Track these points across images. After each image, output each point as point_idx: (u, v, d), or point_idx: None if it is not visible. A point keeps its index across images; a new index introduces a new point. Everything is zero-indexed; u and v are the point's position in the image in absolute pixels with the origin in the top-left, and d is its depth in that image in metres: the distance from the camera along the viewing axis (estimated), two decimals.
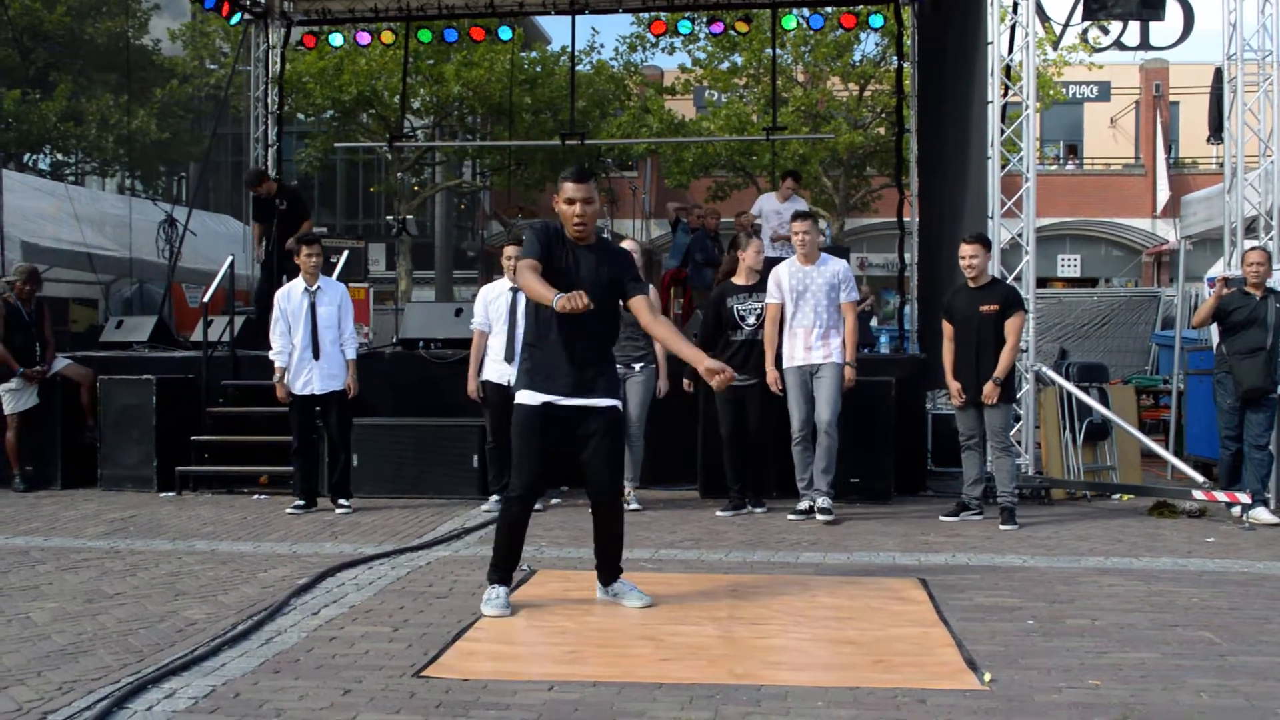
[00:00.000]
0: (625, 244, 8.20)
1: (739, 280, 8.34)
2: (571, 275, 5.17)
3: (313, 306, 8.35)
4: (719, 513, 8.21)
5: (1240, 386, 8.25)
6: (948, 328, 8.08)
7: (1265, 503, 8.10)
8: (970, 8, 9.66)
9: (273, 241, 10.99)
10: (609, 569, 5.51)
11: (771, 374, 8.09)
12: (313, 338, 8.32)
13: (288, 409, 8.48)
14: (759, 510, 8.25)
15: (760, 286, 8.24)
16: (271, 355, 8.41)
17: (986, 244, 8.08)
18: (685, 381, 8.47)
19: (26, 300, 9.80)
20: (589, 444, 5.26)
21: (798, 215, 8.41)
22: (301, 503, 8.41)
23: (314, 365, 8.33)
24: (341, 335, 8.47)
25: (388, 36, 14.02)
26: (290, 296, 8.41)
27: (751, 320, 8.19)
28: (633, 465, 8.48)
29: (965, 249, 7.93)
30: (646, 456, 8.67)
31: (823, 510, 7.88)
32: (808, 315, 8.01)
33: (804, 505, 8.06)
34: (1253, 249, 8.63)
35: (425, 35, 13.96)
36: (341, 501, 8.36)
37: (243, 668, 4.37)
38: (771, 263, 8.60)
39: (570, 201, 5.28)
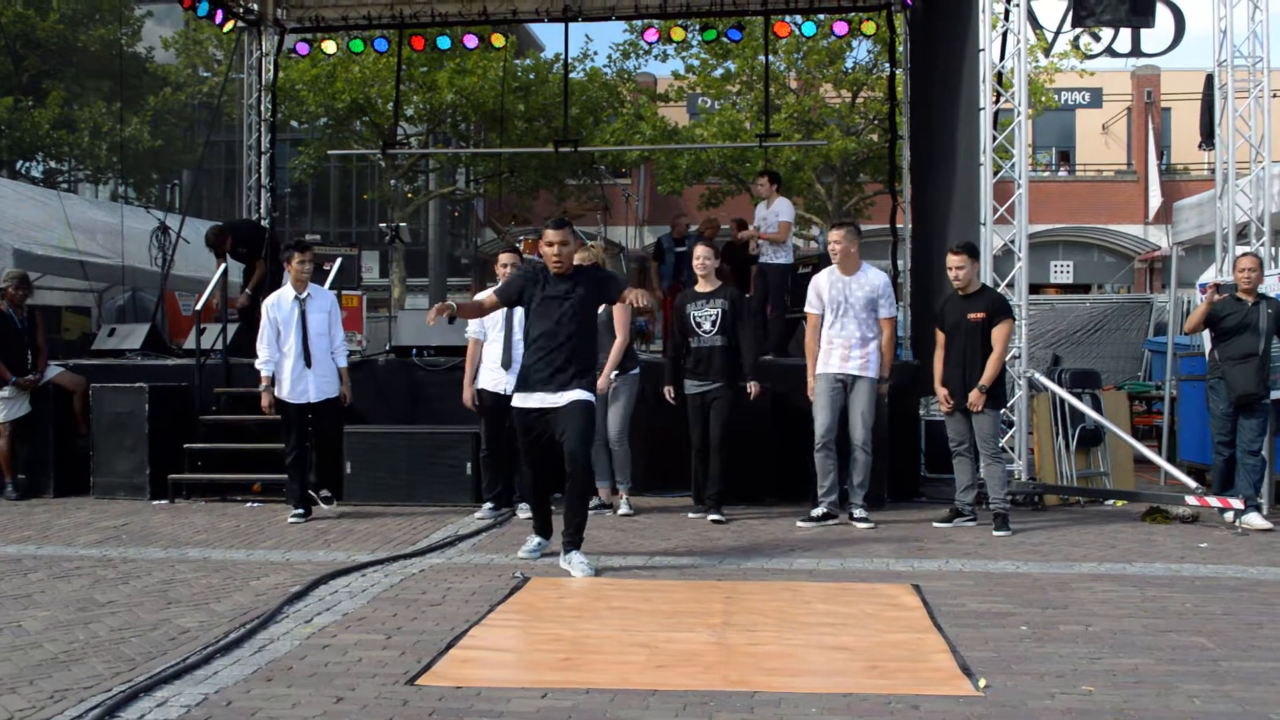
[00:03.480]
0: (591, 247, 8.51)
1: (699, 287, 8.36)
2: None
3: (303, 314, 8.29)
4: (690, 514, 8.32)
5: (1233, 392, 8.27)
6: (940, 335, 8.10)
7: (1258, 508, 8.11)
8: (962, 15, 9.68)
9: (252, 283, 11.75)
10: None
11: (811, 383, 8.11)
12: (304, 346, 8.25)
13: (280, 418, 8.40)
14: (714, 517, 8.13)
15: (719, 294, 8.22)
16: (258, 364, 8.33)
17: (973, 253, 8.08)
18: (667, 390, 8.44)
19: (19, 307, 9.77)
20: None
21: (835, 225, 8.43)
22: (301, 511, 8.32)
23: (307, 373, 8.26)
24: (332, 343, 8.43)
25: (381, 44, 14.02)
26: (280, 305, 8.31)
27: (707, 326, 8.16)
28: (621, 469, 8.53)
29: (952, 259, 7.96)
30: (640, 464, 8.68)
31: (862, 520, 7.95)
32: (847, 327, 8.02)
33: (818, 511, 8.02)
34: (1244, 255, 8.65)
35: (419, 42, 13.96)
36: (324, 493, 8.30)
37: (235, 676, 4.36)
38: (739, 265, 8.53)
39: (549, 244, 6.35)
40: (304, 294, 8.34)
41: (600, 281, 6.55)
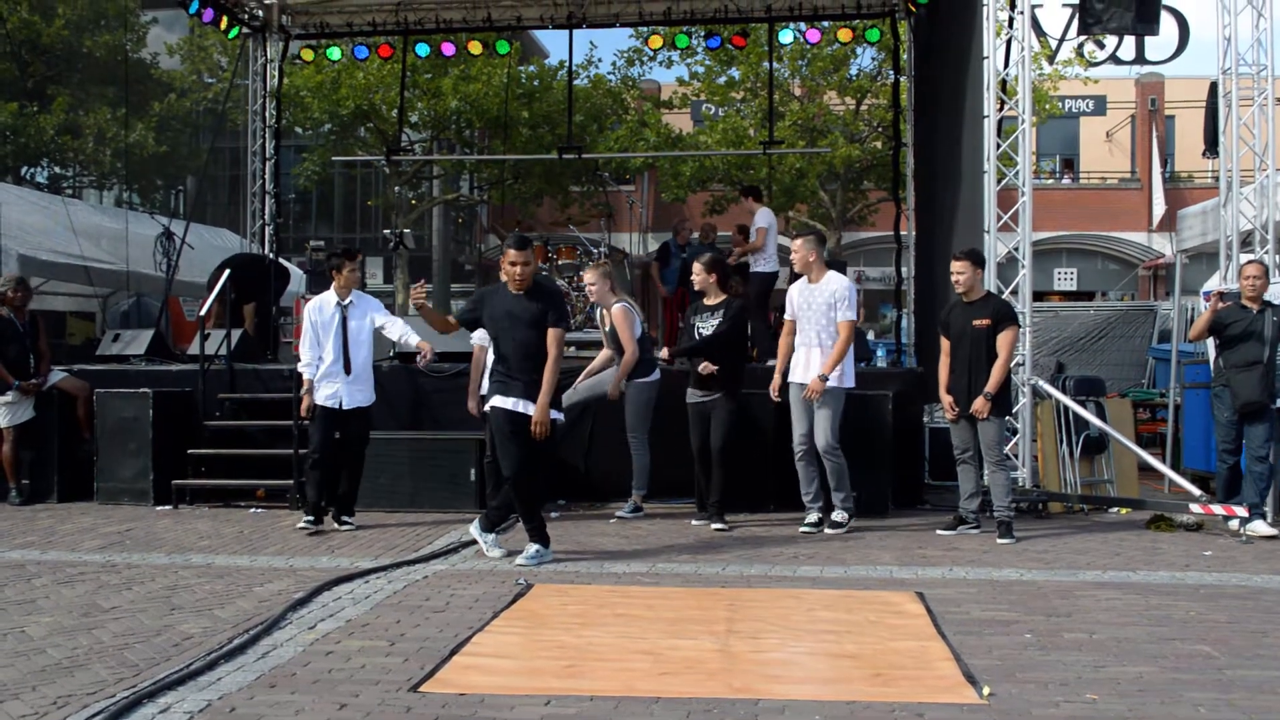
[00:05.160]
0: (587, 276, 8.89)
1: (705, 300, 8.42)
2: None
3: (344, 320, 8.22)
4: (693, 522, 8.35)
5: (1237, 400, 8.25)
6: (945, 342, 8.09)
7: (1263, 516, 8.09)
8: (966, 22, 9.69)
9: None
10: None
11: (774, 384, 8.17)
12: (344, 352, 8.17)
13: (309, 421, 8.28)
14: (716, 526, 8.14)
15: (722, 307, 8.27)
16: (300, 367, 8.28)
17: (976, 260, 8.06)
18: (664, 350, 8.62)
19: (20, 311, 9.77)
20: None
21: (796, 234, 8.50)
22: (311, 518, 8.14)
23: (344, 379, 8.15)
24: (393, 336, 8.48)
25: (385, 50, 14.03)
26: (322, 309, 8.23)
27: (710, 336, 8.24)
28: (636, 472, 8.62)
29: (954, 265, 7.97)
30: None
31: (834, 524, 7.99)
32: (808, 333, 8.08)
33: (813, 518, 8.07)
34: (1250, 262, 8.64)
35: (423, 49, 13.99)
36: (345, 519, 8.26)
37: (238, 682, 4.36)
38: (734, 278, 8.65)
39: (513, 264, 6.73)
40: (346, 300, 8.28)
41: (546, 305, 6.85)
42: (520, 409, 6.73)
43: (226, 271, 11.10)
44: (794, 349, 8.19)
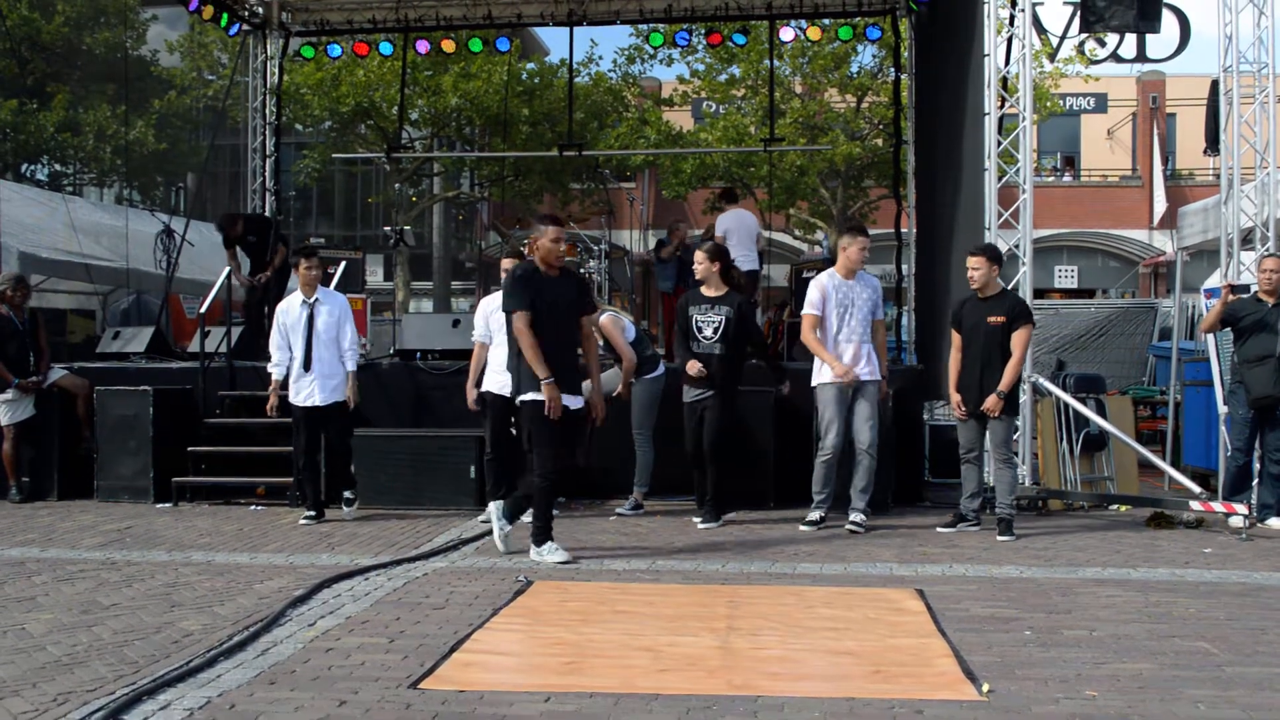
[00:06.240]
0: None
1: (705, 290, 8.31)
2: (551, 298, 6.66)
3: (311, 319, 8.34)
4: (699, 525, 8.18)
5: (1250, 395, 8.21)
6: (956, 337, 8.00)
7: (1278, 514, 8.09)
8: (967, 20, 9.68)
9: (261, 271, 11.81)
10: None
11: (835, 366, 7.92)
12: (307, 350, 8.29)
13: (291, 422, 8.43)
14: (703, 525, 8.10)
15: (725, 300, 8.18)
16: (269, 367, 8.44)
17: (992, 256, 7.93)
18: (692, 365, 8.45)
19: (19, 309, 9.78)
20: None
21: (856, 229, 8.37)
22: (312, 513, 8.37)
23: (310, 377, 8.30)
24: (342, 346, 8.44)
25: (385, 48, 14.03)
26: (289, 310, 8.42)
27: (709, 333, 8.12)
28: (638, 469, 8.62)
29: (970, 260, 7.90)
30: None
31: (854, 524, 7.89)
32: (855, 330, 8.00)
33: (815, 515, 8.02)
34: (1268, 256, 8.62)
35: (423, 46, 13.97)
36: (346, 494, 8.41)
37: (238, 679, 4.36)
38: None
39: (555, 240, 6.70)
40: (312, 298, 8.38)
41: (581, 291, 6.95)
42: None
43: (226, 269, 11.09)
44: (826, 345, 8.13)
